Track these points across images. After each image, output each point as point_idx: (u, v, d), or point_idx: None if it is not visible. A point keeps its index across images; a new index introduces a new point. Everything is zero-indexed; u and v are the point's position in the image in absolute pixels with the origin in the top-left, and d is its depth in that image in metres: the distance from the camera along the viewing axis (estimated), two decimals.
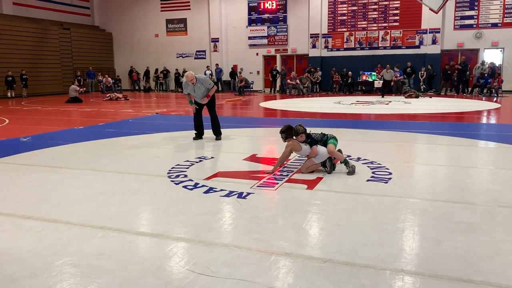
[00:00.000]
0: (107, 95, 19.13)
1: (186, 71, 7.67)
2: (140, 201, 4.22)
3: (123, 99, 18.67)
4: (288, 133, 5.28)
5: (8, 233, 3.44)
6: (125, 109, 14.72)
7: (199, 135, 7.89)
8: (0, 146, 7.47)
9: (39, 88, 22.36)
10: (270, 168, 5.39)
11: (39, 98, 20.32)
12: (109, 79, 23.93)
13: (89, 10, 27.18)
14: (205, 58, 25.35)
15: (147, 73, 25.65)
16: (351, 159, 5.95)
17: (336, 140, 5.33)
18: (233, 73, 23.89)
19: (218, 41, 24.76)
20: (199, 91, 7.67)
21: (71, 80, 22.10)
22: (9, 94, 20.28)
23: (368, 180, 4.85)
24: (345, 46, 22.58)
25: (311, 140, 5.24)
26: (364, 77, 21.47)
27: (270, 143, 7.79)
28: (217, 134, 7.87)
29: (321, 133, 5.41)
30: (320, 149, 5.20)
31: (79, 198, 4.33)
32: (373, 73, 21.29)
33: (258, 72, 24.65)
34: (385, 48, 21.90)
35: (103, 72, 24.61)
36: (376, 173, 5.16)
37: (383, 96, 18.19)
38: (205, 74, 23.57)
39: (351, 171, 5.10)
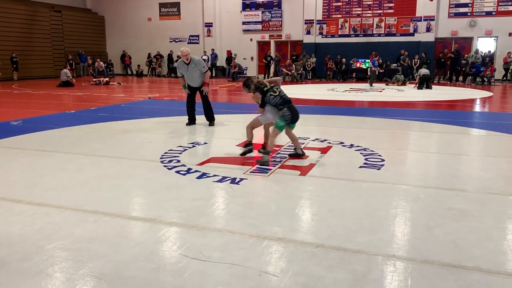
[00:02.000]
0: (93, 79, 18.88)
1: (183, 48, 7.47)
2: (133, 186, 4.19)
3: (112, 83, 18.51)
4: (248, 86, 5.25)
5: None
6: (117, 93, 14.57)
7: (192, 121, 7.83)
8: None
9: (30, 72, 22.02)
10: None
11: (30, 82, 20.04)
12: (101, 63, 23.59)
13: None
14: (198, 43, 25.07)
15: (149, 62, 25.33)
16: (344, 145, 5.96)
17: (285, 122, 5.02)
18: (229, 58, 23.65)
19: (211, 26, 24.48)
20: (193, 73, 7.54)
21: (63, 64, 21.81)
22: None
23: (360, 167, 4.86)
24: (339, 33, 22.43)
25: (263, 101, 5.11)
26: (358, 64, 21.42)
27: (263, 129, 7.76)
28: (210, 120, 7.81)
29: (281, 98, 5.05)
30: (268, 113, 5.14)
31: (71, 182, 4.29)
32: (367, 60, 21.23)
33: (252, 58, 24.46)
34: (379, 35, 21.80)
35: (95, 56, 24.24)
36: (368, 159, 5.17)
37: (371, 85, 17.39)
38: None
39: (263, 161, 4.88)
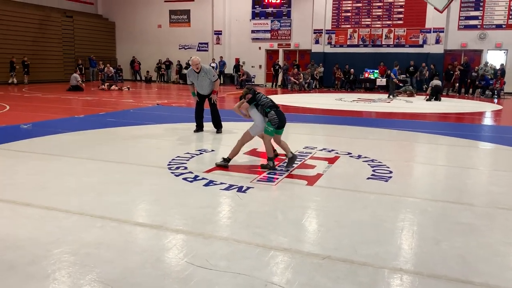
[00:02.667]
0: (101, 86, 19.00)
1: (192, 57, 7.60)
2: (140, 192, 4.22)
3: (118, 88, 18.67)
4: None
5: (7, 219, 3.44)
6: (126, 99, 14.68)
7: (199, 128, 7.87)
8: (0, 132, 7.45)
9: (40, 75, 22.26)
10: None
11: (40, 85, 20.25)
12: (111, 68, 23.80)
13: None
14: (207, 51, 25.24)
15: (158, 68, 25.52)
16: (351, 156, 5.95)
17: (273, 127, 5.07)
18: (237, 66, 23.78)
19: (221, 34, 24.65)
20: (203, 82, 7.60)
21: (73, 68, 22.00)
22: (10, 81, 20.20)
23: (368, 178, 4.84)
24: (348, 43, 22.48)
25: (253, 99, 5.15)
26: (366, 75, 21.42)
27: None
28: (218, 127, 7.85)
29: (270, 101, 5.18)
30: (257, 120, 5.17)
31: (79, 187, 4.32)
32: (375, 70, 21.24)
33: (260, 66, 24.57)
34: (388, 46, 21.81)
35: (105, 62, 24.48)
36: (376, 171, 5.16)
37: (390, 96, 16.85)
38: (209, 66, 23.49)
39: (265, 167, 5.06)
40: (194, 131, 7.81)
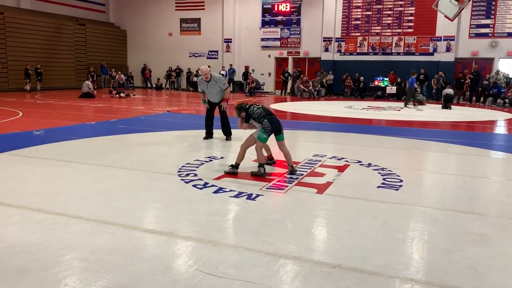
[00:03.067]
0: (113, 93, 19.16)
1: (202, 67, 7.74)
2: (150, 198, 4.24)
3: (128, 95, 18.88)
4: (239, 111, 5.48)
5: (18, 225, 3.47)
6: (137, 106, 14.81)
7: (209, 135, 7.91)
8: (13, 138, 7.56)
9: (53, 82, 22.55)
10: (282, 170, 5.38)
11: (53, 92, 20.51)
12: (122, 75, 24.04)
13: (105, 7, 27.39)
14: (217, 58, 25.40)
15: (168, 76, 25.76)
16: (361, 164, 5.93)
17: (268, 133, 5.25)
18: (246, 73, 23.89)
19: (230, 42, 24.81)
20: (213, 90, 7.67)
21: (85, 75, 22.27)
22: (26, 87, 20.50)
23: (378, 187, 4.81)
24: (358, 51, 22.47)
25: (248, 115, 5.36)
26: (376, 82, 21.35)
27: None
28: (227, 135, 7.88)
29: (263, 110, 5.33)
30: (259, 127, 5.34)
31: (89, 193, 4.36)
32: (385, 78, 21.17)
33: (269, 74, 24.64)
34: (398, 54, 21.75)
35: (116, 69, 24.74)
36: (386, 179, 5.13)
37: (406, 105, 16.48)
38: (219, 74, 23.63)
39: (255, 173, 5.15)
40: (204, 138, 7.85)
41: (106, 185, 4.63)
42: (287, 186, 4.75)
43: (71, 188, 4.53)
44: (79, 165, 5.60)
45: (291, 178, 5.11)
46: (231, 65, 24.20)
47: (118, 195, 4.31)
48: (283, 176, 5.22)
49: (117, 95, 18.65)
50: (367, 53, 22.30)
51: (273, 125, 5.24)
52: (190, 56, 26.11)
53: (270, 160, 5.69)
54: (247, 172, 5.35)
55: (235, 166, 5.27)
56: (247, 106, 5.44)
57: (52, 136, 7.69)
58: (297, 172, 5.32)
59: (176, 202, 4.12)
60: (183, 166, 5.58)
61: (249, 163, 5.90)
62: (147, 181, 4.87)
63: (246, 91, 22.90)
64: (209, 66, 7.97)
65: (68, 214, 3.69)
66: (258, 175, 5.13)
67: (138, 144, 7.23)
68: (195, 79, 23.17)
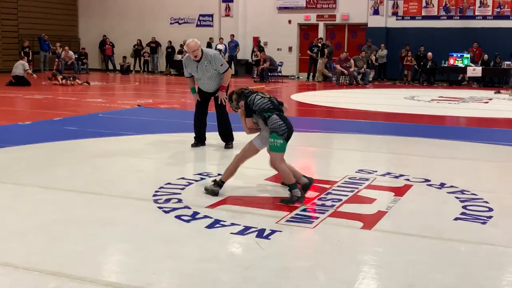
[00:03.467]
0: (58, 78, 19.07)
1: (188, 40, 7.58)
2: (113, 236, 4.25)
3: (71, 82, 18.78)
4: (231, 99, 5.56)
5: None
6: (93, 98, 14.93)
7: (200, 141, 7.94)
8: None
9: None
10: (309, 194, 5.37)
11: None
12: (70, 53, 24.26)
13: None
14: (212, 26, 25.57)
15: (136, 52, 25.95)
16: (430, 185, 5.89)
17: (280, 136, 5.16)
18: (260, 48, 23.73)
19: (232, 1, 24.94)
20: (205, 74, 7.60)
21: (15, 53, 22.45)
22: None
23: (456, 219, 4.78)
24: (423, 14, 22.45)
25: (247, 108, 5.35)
26: (452, 61, 21.20)
27: (305, 156, 7.76)
28: (227, 140, 7.90)
29: (271, 102, 5.29)
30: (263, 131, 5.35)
31: (23, 228, 4.37)
32: (465, 54, 21.05)
33: (290, 49, 24.73)
34: (484, 18, 21.67)
35: (62, 44, 24.97)
36: (468, 208, 5.10)
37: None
38: (215, 49, 23.68)
39: (289, 200, 5.07)
40: (192, 145, 7.87)
41: (48, 217, 4.65)
42: (317, 218, 4.73)
43: None
44: (7, 186, 5.63)
45: (323, 205, 5.09)
46: (232, 36, 24.28)
47: (65, 231, 4.32)
48: (311, 202, 5.20)
49: (63, 81, 18.76)
50: (437, 17, 22.26)
51: (289, 124, 5.22)
52: (172, 24, 26.33)
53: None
54: (257, 197, 5.34)
55: (219, 183, 5.33)
56: (249, 92, 5.43)
57: None
58: (333, 198, 5.28)
59: (150, 242, 4.12)
60: (161, 188, 5.59)
61: (262, 182, 5.90)
62: (109, 210, 4.88)
63: (255, 74, 22.96)
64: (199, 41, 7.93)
65: None
66: (293, 202, 5.05)
67: (95, 155, 7.27)
68: (179, 57, 23.29)
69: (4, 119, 10.52)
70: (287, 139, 5.23)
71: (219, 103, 7.79)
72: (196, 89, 7.84)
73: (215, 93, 7.84)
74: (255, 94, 5.38)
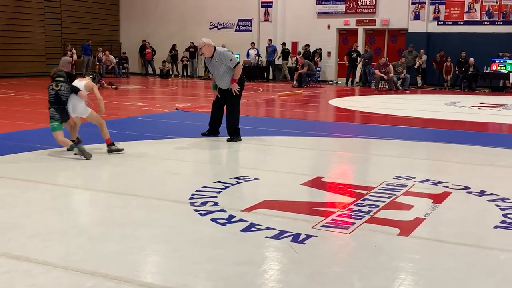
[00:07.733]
0: (102, 82, 19.26)
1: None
2: (149, 237, 4.30)
3: (99, 85, 18.88)
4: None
5: None
6: (133, 101, 15.13)
7: (212, 131, 8.64)
8: None
9: (13, 68, 23.30)
10: (346, 199, 5.33)
11: (14, 81, 21.24)
12: (111, 57, 24.55)
13: None
14: (251, 31, 25.64)
15: (173, 57, 26.17)
16: (470, 192, 5.79)
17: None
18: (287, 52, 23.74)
19: (271, 6, 24.97)
20: (217, 70, 8.25)
21: (58, 57, 22.77)
22: None
23: (496, 227, 4.70)
24: (465, 18, 22.09)
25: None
26: (494, 67, 20.83)
27: (343, 162, 7.71)
28: (231, 134, 8.35)
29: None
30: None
31: (62, 227, 4.45)
32: (509, 60, 20.62)
33: (329, 54, 24.63)
34: None
35: (104, 48, 25.32)
36: (509, 216, 5.00)
37: None
38: (247, 54, 23.75)
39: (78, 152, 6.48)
40: (202, 134, 8.66)
41: (87, 217, 4.74)
42: (353, 224, 4.70)
43: (37, 220, 4.65)
44: (48, 186, 5.75)
45: (359, 211, 5.05)
46: (270, 41, 24.23)
47: (104, 232, 4.39)
48: (348, 208, 5.17)
49: (101, 85, 18.93)
50: (479, 22, 21.89)
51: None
52: (211, 28, 26.46)
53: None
54: (293, 202, 5.34)
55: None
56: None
57: (10, 144, 7.96)
58: (370, 204, 5.23)
59: (187, 244, 4.15)
60: (198, 191, 5.63)
61: (298, 188, 5.90)
62: (146, 212, 4.94)
63: (294, 80, 22.89)
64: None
65: (32, 258, 3.79)
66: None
67: (132, 157, 7.37)
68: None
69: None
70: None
71: (233, 94, 8.38)
72: (216, 86, 8.52)
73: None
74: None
